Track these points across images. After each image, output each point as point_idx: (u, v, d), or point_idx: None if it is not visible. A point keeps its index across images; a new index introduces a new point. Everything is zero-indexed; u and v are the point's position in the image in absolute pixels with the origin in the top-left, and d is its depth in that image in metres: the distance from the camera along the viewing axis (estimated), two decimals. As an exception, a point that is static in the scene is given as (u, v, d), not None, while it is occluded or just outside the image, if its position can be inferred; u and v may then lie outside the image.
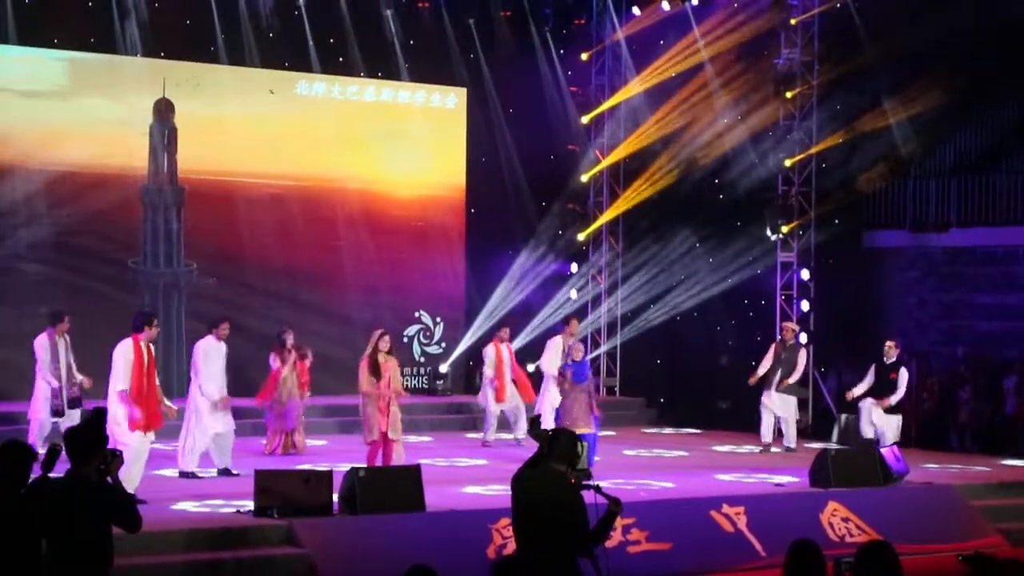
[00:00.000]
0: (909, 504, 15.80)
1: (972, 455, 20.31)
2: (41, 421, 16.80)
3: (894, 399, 18.76)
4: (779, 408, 20.01)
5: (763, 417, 20.15)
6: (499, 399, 20.18)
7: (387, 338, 15.96)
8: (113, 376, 14.27)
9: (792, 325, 20.67)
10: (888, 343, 19.11)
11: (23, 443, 8.21)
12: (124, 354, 14.27)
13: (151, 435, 14.43)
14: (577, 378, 17.07)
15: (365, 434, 15.86)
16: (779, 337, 20.67)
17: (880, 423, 18.75)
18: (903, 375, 18.83)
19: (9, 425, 17.91)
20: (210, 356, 16.19)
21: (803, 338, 21.45)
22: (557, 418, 17.11)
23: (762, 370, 20.07)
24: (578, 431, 16.54)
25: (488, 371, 20.28)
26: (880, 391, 18.80)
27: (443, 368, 24.67)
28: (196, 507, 13.70)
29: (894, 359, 18.91)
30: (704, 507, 14.59)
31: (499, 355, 20.25)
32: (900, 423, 18.91)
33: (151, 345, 14.52)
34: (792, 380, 20.02)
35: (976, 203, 23.73)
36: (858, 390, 19.03)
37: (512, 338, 21.41)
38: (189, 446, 16.00)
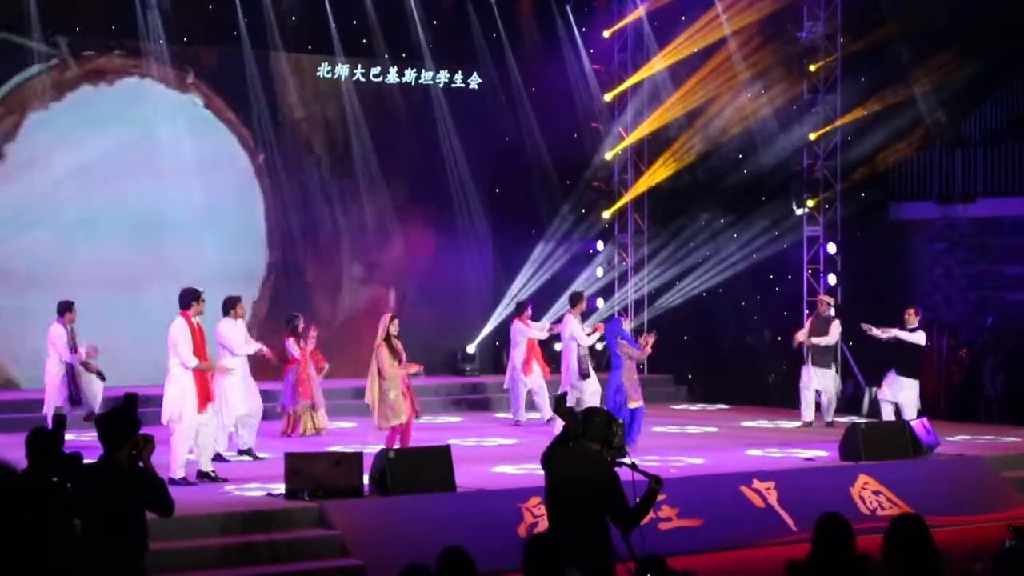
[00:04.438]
0: (940, 476, 15.78)
1: (1002, 426, 20.25)
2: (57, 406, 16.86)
3: (893, 333, 18.68)
4: (818, 382, 19.96)
5: (803, 394, 20.12)
6: (527, 373, 20.24)
7: (396, 321, 16.04)
8: (178, 355, 14.34)
9: (827, 298, 20.61)
10: (909, 310, 19.03)
11: (49, 430, 8.26)
12: (183, 332, 14.37)
13: (208, 413, 14.53)
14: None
15: (385, 418, 15.79)
16: (816, 310, 20.62)
17: (898, 396, 18.69)
18: (920, 335, 18.75)
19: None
20: (229, 336, 16.24)
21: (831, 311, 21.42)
22: (615, 393, 17.16)
23: (802, 336, 20.03)
24: (633, 405, 16.86)
25: (518, 350, 20.30)
26: (902, 360, 18.73)
27: (470, 349, 24.69)
28: (228, 491, 13.75)
29: (915, 326, 18.84)
30: (734, 483, 14.60)
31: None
32: (917, 391, 18.81)
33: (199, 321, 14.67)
34: (820, 342, 19.85)
35: (1003, 173, 23.59)
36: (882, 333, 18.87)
37: (538, 317, 21.45)
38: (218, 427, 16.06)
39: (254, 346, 16.51)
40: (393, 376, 15.70)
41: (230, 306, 16.38)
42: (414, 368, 16.01)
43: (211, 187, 22.59)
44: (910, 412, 18.33)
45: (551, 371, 20.48)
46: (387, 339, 15.83)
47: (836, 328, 20.10)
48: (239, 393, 16.01)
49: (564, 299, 23.85)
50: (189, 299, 14.59)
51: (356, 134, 24.03)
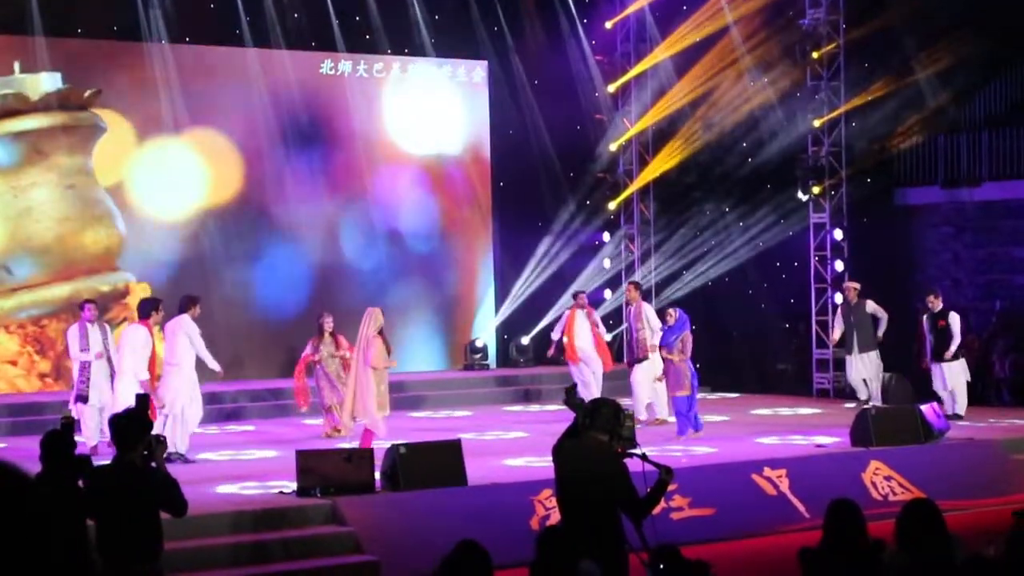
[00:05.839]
0: (951, 461, 15.78)
1: (1012, 409, 20.27)
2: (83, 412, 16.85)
3: (953, 346, 18.83)
4: (867, 370, 20.01)
5: (855, 383, 20.25)
6: (570, 359, 20.12)
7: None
8: (133, 361, 14.47)
9: (854, 284, 20.58)
10: (930, 296, 19.20)
11: (64, 432, 8.29)
12: (144, 340, 14.44)
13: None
14: (663, 342, 17.58)
15: (373, 409, 15.78)
16: (844, 299, 20.65)
17: (950, 382, 18.84)
18: (953, 319, 18.88)
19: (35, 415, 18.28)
20: (192, 336, 16.06)
21: (838, 298, 21.49)
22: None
23: (837, 334, 20.17)
24: (673, 394, 16.97)
25: (554, 334, 20.16)
26: (937, 344, 18.88)
27: (479, 343, 24.69)
28: (239, 489, 13.76)
29: (940, 307, 19.00)
30: (746, 471, 14.61)
31: (570, 319, 20.02)
32: (964, 367, 18.94)
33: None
34: (881, 333, 19.97)
35: (1008, 156, 23.58)
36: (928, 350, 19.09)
37: (548, 308, 21.38)
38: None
39: (214, 362, 16.27)
40: (383, 369, 15.81)
41: (189, 304, 16.09)
42: (394, 363, 16.17)
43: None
44: (962, 399, 18.59)
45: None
46: (381, 332, 15.97)
47: (879, 309, 20.00)
48: (190, 396, 15.91)
49: (573, 289, 23.98)
50: (149, 308, 14.65)
51: (359, 128, 24.04)
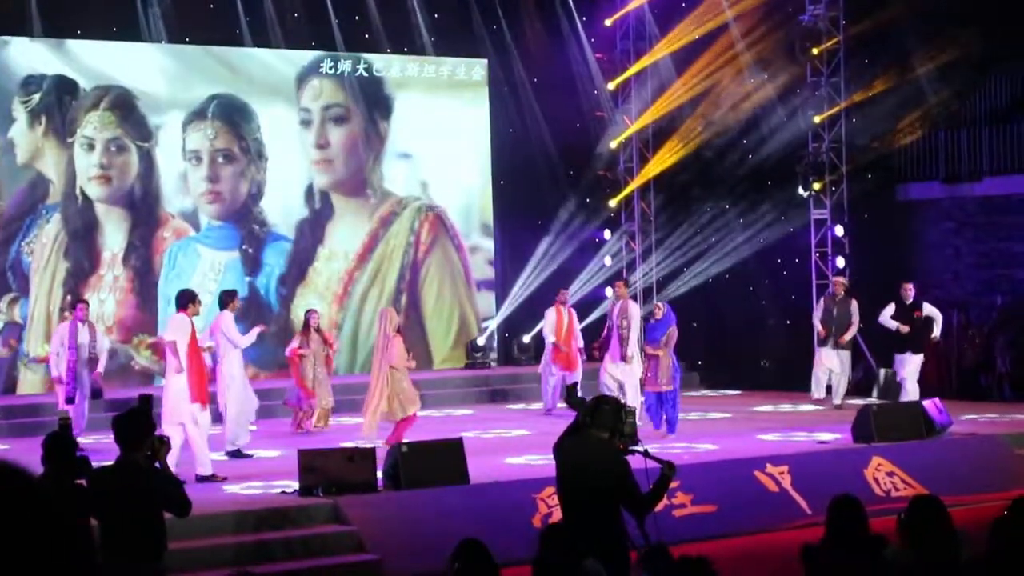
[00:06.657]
0: (953, 456, 15.77)
1: (1014, 403, 20.25)
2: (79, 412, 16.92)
3: (937, 330, 18.81)
4: (835, 364, 20.03)
5: (817, 374, 20.22)
6: (562, 365, 20.17)
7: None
8: (175, 353, 14.48)
9: (842, 280, 20.64)
10: (905, 285, 19.18)
11: (66, 435, 8.31)
12: (184, 329, 14.48)
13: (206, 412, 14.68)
14: (648, 338, 17.47)
15: (402, 408, 15.90)
16: (830, 292, 20.67)
17: (903, 372, 18.86)
18: (927, 308, 18.86)
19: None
20: (232, 328, 16.23)
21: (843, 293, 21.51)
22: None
23: (820, 326, 20.18)
24: (657, 389, 16.98)
25: (549, 337, 20.30)
26: (910, 334, 18.84)
27: (480, 340, 24.69)
28: (241, 489, 13.77)
29: (912, 300, 18.99)
30: (748, 467, 14.61)
31: (559, 319, 20.18)
32: (918, 365, 18.91)
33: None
34: (850, 336, 20.01)
35: (1009, 151, 23.54)
36: (890, 323, 19.05)
37: (549, 306, 21.38)
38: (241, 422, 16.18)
39: (253, 334, 16.54)
40: (405, 367, 15.91)
41: (228, 299, 16.33)
42: (413, 364, 16.23)
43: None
44: (911, 385, 18.54)
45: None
46: (398, 331, 16.12)
47: (856, 312, 20.09)
48: (238, 391, 16.07)
49: (574, 287, 23.99)
50: (187, 300, 14.73)
51: (361, 128, 24.04)
